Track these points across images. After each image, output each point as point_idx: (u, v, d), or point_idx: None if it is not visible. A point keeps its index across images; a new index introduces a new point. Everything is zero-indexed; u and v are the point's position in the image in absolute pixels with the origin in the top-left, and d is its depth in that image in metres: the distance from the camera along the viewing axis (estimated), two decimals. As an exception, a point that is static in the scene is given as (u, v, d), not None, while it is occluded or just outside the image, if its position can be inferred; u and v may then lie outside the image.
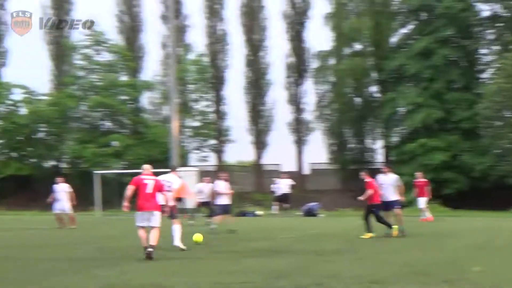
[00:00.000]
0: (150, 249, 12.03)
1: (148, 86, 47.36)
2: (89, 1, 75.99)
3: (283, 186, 31.65)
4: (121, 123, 47.17)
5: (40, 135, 47.63)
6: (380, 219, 16.61)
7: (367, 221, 16.65)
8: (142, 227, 12.45)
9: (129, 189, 12.41)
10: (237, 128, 48.50)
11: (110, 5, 66.08)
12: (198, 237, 15.12)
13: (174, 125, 37.34)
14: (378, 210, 16.56)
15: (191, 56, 47.21)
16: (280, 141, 61.78)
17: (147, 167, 12.90)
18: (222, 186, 20.14)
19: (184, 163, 41.80)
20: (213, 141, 47.31)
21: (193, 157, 46.77)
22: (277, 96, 50.66)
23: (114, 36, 49.07)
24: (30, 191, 43.20)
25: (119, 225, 24.35)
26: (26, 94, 46.92)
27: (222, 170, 47.36)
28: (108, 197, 37.46)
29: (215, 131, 47.21)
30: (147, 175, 12.66)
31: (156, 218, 12.45)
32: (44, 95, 47.98)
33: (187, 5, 50.89)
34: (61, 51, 50.87)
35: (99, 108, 45.11)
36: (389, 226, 16.63)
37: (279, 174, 38.33)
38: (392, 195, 16.96)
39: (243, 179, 45.95)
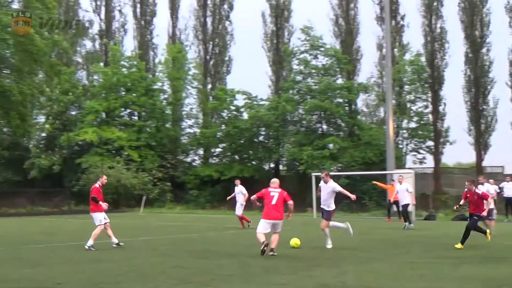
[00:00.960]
0: (272, 253, 13.32)
1: (364, 88, 47.22)
2: (306, 7, 78.24)
3: (507, 189, 29.62)
4: (337, 126, 47.60)
5: (260, 138, 49.72)
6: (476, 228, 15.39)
7: (479, 229, 15.52)
8: (263, 234, 13.44)
9: (254, 195, 14.03)
10: (456, 129, 46.43)
11: (326, 10, 67.32)
12: (295, 241, 15.09)
13: (390, 126, 36.81)
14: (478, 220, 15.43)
15: (408, 56, 46.16)
16: (504, 141, 58.05)
17: (274, 181, 14.13)
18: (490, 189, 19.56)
19: (400, 165, 41.04)
20: (430, 143, 45.80)
21: (410, 159, 45.76)
22: (500, 94, 47.50)
23: (330, 39, 49.70)
24: (251, 192, 45.36)
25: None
26: (247, 99, 49.29)
27: (439, 172, 45.91)
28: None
29: (433, 132, 45.67)
30: (274, 188, 13.75)
31: (279, 226, 13.61)
32: (263, 100, 50.02)
33: (403, 4, 49.85)
34: (279, 57, 52.75)
35: (315, 111, 45.91)
36: (484, 232, 15.64)
37: (504, 176, 35.98)
38: None
39: (463, 181, 43.82)
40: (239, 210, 23.77)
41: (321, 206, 15.33)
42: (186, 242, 17.56)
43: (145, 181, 46.19)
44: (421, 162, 45.51)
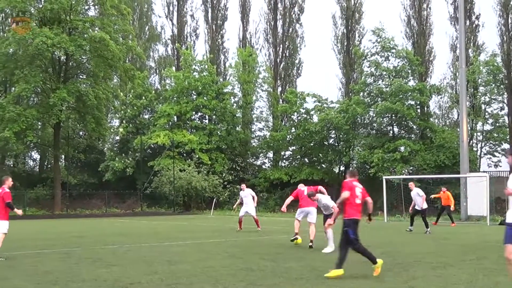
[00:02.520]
0: (310, 244, 15.87)
1: (437, 90, 46.31)
2: (377, 8, 77.36)
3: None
4: (409, 128, 46.86)
5: (330, 141, 49.48)
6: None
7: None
8: (298, 220, 16.90)
9: (289, 199, 17.47)
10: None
11: (398, 11, 66.34)
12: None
13: (464, 129, 35.94)
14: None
15: (483, 57, 44.99)
16: None
17: (301, 185, 17.45)
18: None
19: (474, 168, 40.02)
20: (506, 145, 44.44)
21: (484, 162, 44.58)
22: None
23: (402, 41, 49.01)
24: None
25: (405, 230, 24.11)
26: (318, 102, 49.14)
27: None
28: (394, 202, 37.46)
29: (509, 135, 44.29)
30: (302, 186, 17.22)
31: (312, 215, 16.42)
32: (334, 102, 49.76)
33: (478, 3, 48.63)
34: (350, 59, 52.37)
35: (386, 114, 45.33)
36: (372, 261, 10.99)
37: None
38: None
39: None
40: (251, 211, 23.94)
41: (324, 213, 15.45)
42: (256, 244, 17.65)
43: (215, 183, 46.73)
44: (496, 165, 44.29)
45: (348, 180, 11.21)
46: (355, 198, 10.89)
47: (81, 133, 55.33)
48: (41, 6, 43.26)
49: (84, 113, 44.71)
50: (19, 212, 14.25)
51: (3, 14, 44.41)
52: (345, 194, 10.80)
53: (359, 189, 11.10)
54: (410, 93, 44.21)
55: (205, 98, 50.61)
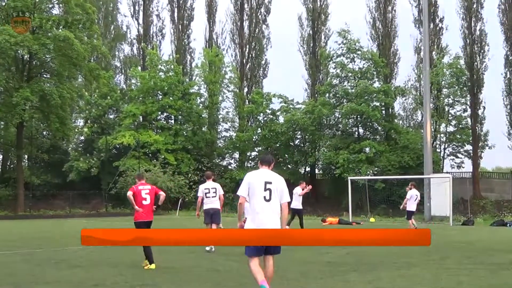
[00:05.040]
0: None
1: (401, 91, 46.83)
2: (343, 10, 77.94)
3: None
4: (374, 129, 47.29)
5: (296, 142, 49.69)
6: None
7: None
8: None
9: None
10: (495, 132, 45.76)
11: (363, 13, 66.91)
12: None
13: (427, 130, 36.42)
14: None
15: (446, 59, 45.58)
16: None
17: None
18: None
19: (437, 169, 40.59)
20: (469, 147, 45.17)
21: (447, 164, 45.24)
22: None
23: (367, 42, 49.43)
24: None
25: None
26: (284, 103, 49.29)
27: (478, 177, 45.13)
28: (358, 202, 37.81)
29: (471, 136, 45.00)
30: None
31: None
32: (299, 103, 49.96)
33: (442, 7, 49.27)
34: (315, 61, 52.62)
35: (352, 115, 45.65)
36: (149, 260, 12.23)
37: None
38: None
39: (502, 186, 43.26)
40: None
41: None
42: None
43: (181, 184, 46.49)
44: (459, 167, 45.05)
45: (135, 185, 12.66)
46: (142, 200, 12.33)
47: (44, 132, 54.52)
48: (4, 3, 42.51)
49: (48, 112, 44.01)
50: None
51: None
52: (129, 195, 12.31)
53: (145, 190, 12.50)
54: (375, 94, 44.57)
55: (171, 98, 50.29)
